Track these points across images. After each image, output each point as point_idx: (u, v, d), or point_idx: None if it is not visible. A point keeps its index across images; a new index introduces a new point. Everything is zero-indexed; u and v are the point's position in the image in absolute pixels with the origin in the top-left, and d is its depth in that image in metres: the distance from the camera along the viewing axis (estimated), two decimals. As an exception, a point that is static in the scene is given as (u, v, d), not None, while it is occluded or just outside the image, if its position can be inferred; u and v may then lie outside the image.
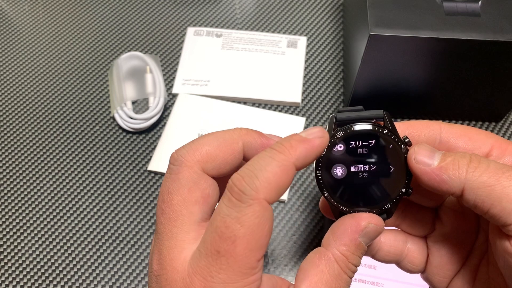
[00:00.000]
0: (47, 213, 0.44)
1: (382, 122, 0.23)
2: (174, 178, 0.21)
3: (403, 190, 0.22)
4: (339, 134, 0.22)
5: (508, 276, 0.20)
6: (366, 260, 0.39)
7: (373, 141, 0.22)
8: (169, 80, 0.51)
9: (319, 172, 0.22)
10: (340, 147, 0.22)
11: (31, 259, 0.42)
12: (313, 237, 0.42)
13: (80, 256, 0.42)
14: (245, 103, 0.50)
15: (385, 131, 0.22)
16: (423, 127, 0.23)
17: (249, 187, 0.19)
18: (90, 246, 0.42)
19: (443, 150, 0.23)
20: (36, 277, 0.41)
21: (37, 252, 0.42)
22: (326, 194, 0.23)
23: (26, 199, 0.45)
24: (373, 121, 0.23)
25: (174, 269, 0.20)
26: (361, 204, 0.23)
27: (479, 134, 0.23)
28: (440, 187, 0.20)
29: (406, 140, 0.22)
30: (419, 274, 0.26)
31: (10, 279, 0.41)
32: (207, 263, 0.19)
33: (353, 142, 0.22)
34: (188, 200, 0.21)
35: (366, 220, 0.21)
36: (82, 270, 0.41)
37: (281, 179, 0.19)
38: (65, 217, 0.44)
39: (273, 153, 0.20)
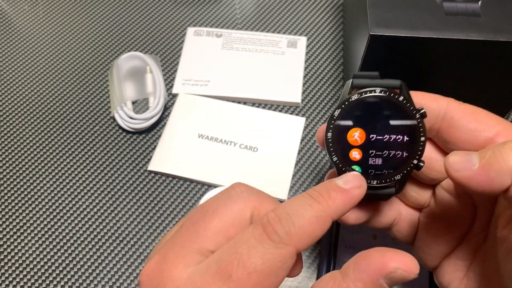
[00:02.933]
0: (47, 213, 0.44)
1: (398, 91, 0.22)
2: (228, 204, 0.21)
3: (415, 161, 0.22)
4: (354, 97, 0.21)
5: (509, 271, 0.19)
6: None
7: (388, 109, 0.21)
8: (169, 80, 0.51)
9: (329, 135, 0.22)
10: (354, 111, 0.22)
11: (31, 259, 0.42)
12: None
13: (80, 256, 0.42)
14: (245, 103, 0.50)
15: (401, 98, 0.21)
16: (431, 100, 0.23)
17: (284, 231, 0.18)
18: (90, 246, 0.42)
19: (445, 126, 0.22)
20: (36, 277, 0.41)
21: (37, 252, 0.42)
22: (335, 159, 0.22)
23: (26, 199, 0.45)
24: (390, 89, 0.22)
25: (171, 277, 0.19)
26: (371, 171, 0.22)
27: (488, 117, 0.22)
28: (491, 188, 0.18)
29: (422, 111, 0.21)
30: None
31: (10, 279, 0.41)
32: (213, 280, 0.18)
33: (367, 108, 0.22)
34: (223, 231, 0.20)
35: (396, 263, 0.18)
36: (82, 270, 0.41)
37: (316, 230, 0.19)
38: (65, 217, 0.44)
39: (312, 202, 0.19)
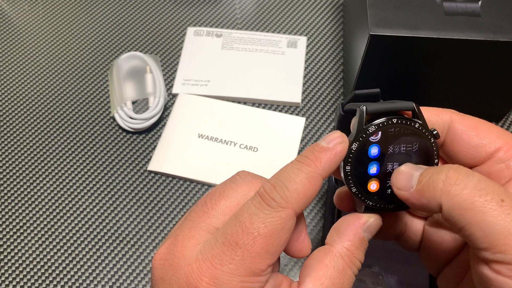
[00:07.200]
0: (47, 213, 0.44)
1: (410, 113, 0.22)
2: (234, 187, 0.22)
3: None
4: (371, 129, 0.21)
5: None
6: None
7: (405, 136, 0.22)
8: (169, 80, 0.51)
9: (348, 168, 0.22)
10: (372, 142, 0.22)
11: (31, 259, 0.42)
12: (312, 237, 0.42)
13: (80, 256, 0.42)
14: (245, 103, 0.50)
15: (417, 124, 0.21)
16: (434, 115, 0.23)
17: (280, 196, 0.20)
18: (90, 246, 0.42)
19: (448, 141, 0.23)
20: (36, 277, 0.41)
21: (37, 252, 0.42)
22: (354, 190, 0.22)
23: (26, 199, 0.45)
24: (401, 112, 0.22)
25: (182, 256, 0.20)
26: (391, 198, 0.22)
27: (490, 131, 0.22)
28: (424, 209, 0.20)
29: (434, 133, 0.22)
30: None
31: (10, 279, 0.41)
32: (221, 251, 0.19)
33: (384, 138, 0.21)
34: (230, 211, 0.22)
35: (366, 216, 0.22)
36: (82, 270, 0.41)
37: (309, 190, 0.20)
38: (65, 217, 0.44)
39: (300, 166, 0.21)
